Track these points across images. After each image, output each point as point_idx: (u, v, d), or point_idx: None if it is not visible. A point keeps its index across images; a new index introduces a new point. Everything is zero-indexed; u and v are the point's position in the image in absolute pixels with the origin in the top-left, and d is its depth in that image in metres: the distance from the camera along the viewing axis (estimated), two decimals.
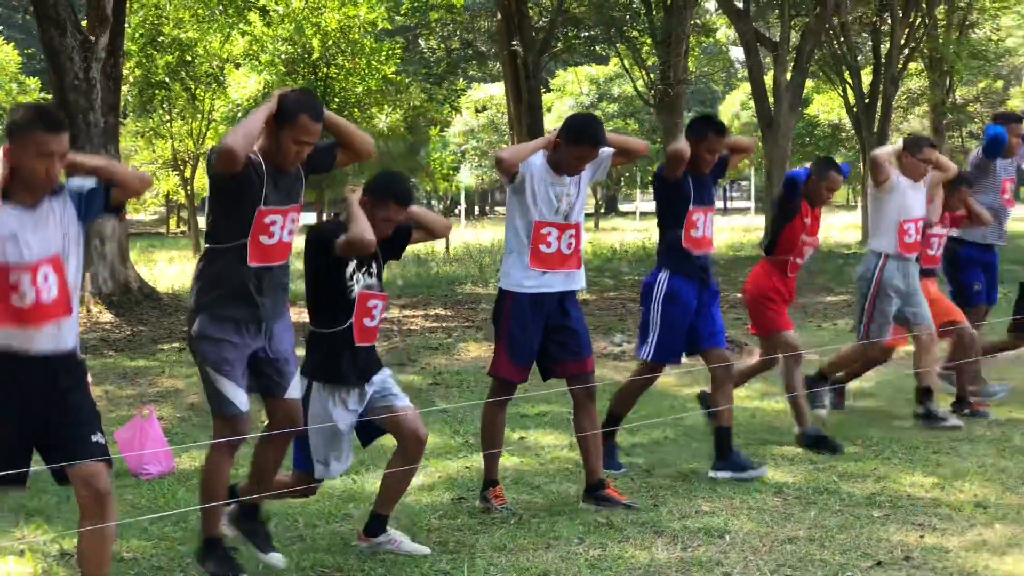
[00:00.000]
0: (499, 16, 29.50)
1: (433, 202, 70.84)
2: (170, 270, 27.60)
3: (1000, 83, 53.97)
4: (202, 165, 42.18)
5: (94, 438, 5.01)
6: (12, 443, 4.98)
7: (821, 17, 30.40)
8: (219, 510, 5.96)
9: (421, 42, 41.78)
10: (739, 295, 17.59)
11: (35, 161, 4.83)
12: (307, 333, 6.43)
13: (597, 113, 57.14)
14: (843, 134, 53.00)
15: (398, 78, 31.41)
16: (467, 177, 58.65)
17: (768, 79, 32.76)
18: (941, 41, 36.61)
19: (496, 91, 54.93)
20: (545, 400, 10.79)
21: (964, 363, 9.96)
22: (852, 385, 10.44)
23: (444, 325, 17.61)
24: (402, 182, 6.55)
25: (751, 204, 68.82)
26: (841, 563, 6.04)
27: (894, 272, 9.40)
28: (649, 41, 33.09)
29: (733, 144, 8.35)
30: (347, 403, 6.30)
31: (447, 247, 33.70)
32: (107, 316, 18.07)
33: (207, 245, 5.86)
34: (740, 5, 31.26)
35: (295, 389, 6.03)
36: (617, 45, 35.44)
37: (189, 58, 32.08)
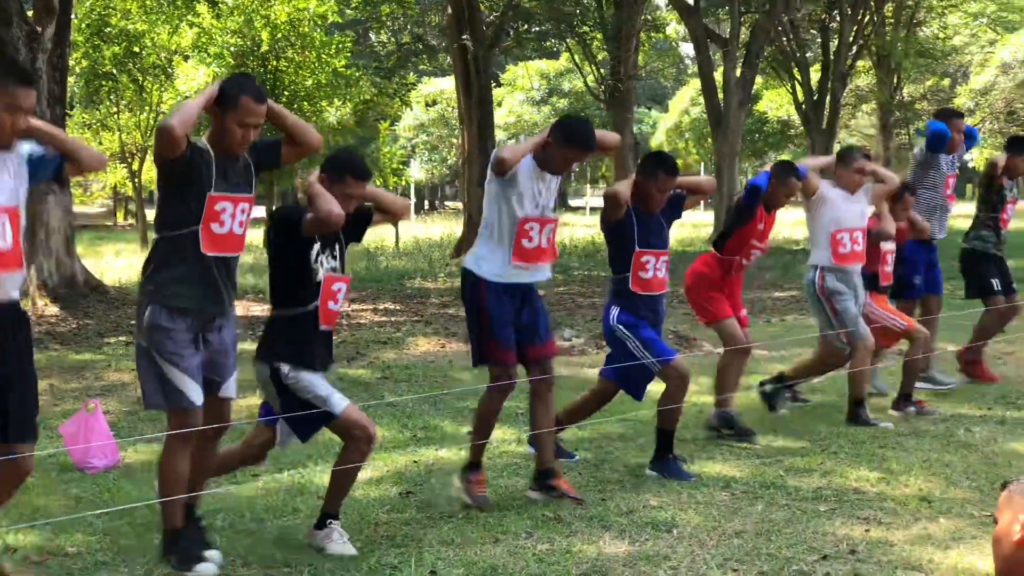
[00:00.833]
0: (449, 10, 29.49)
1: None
2: (117, 263, 27.36)
3: (947, 81, 54.42)
4: (150, 157, 41.91)
5: (35, 419, 5.30)
6: None
7: (771, 14, 30.57)
8: (179, 503, 5.93)
9: (371, 36, 41.71)
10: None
11: (3, 114, 4.91)
12: (268, 318, 6.45)
13: (547, 108, 57.31)
14: (792, 131, 53.27)
15: (348, 72, 31.25)
16: (417, 171, 58.59)
17: (718, 75, 32.90)
18: (889, 39, 36.92)
19: (446, 85, 54.87)
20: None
21: (916, 361, 10.05)
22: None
23: (393, 319, 17.57)
24: (358, 157, 6.57)
25: (676, 219, 68.91)
26: (787, 557, 6.07)
27: (834, 281, 9.44)
28: (599, 36, 33.14)
29: (689, 184, 8.32)
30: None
31: (396, 241, 33.61)
32: (52, 309, 17.90)
33: (157, 235, 5.81)
34: (690, 1, 31.35)
35: (231, 388, 6.03)
36: (567, 40, 35.47)
37: (137, 49, 31.82)
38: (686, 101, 60.90)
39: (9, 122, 4.95)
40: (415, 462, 8.35)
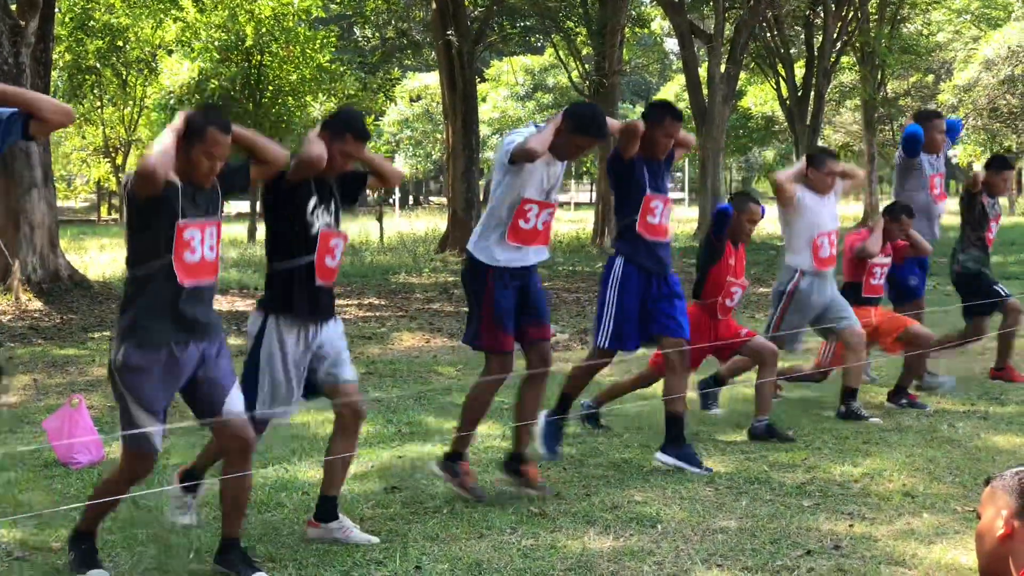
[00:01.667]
0: (434, 5, 29.47)
1: (368, 192, 70.77)
2: (101, 258, 27.31)
3: (931, 78, 54.53)
4: (134, 151, 41.80)
5: None
6: None
7: (755, 10, 30.61)
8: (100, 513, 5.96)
9: (356, 30, 41.64)
10: None
11: None
12: (266, 272, 6.46)
13: (531, 104, 57.30)
14: (776, 126, 53.40)
15: (332, 67, 31.24)
16: (401, 166, 58.51)
17: (702, 71, 32.96)
18: (873, 35, 36.97)
19: (431, 80, 54.88)
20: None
21: (917, 358, 10.09)
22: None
23: (378, 315, 17.57)
24: (359, 118, 6.57)
25: (684, 195, 69.20)
26: (771, 552, 6.08)
27: (810, 288, 9.44)
28: (584, 31, 33.16)
29: (679, 138, 8.35)
30: (301, 340, 6.31)
31: (381, 236, 33.60)
32: (36, 304, 17.87)
33: (130, 273, 5.68)
34: None
35: (236, 402, 5.79)
36: (552, 35, 35.49)
37: (120, 44, 31.79)
38: (671, 97, 60.95)
39: None
40: (400, 458, 8.35)
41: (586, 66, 32.49)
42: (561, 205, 61.77)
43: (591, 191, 47.90)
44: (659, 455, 7.96)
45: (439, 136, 55.10)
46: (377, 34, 38.11)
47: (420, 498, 7.23)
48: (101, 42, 31.34)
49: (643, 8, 40.48)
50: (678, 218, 40.97)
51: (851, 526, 6.56)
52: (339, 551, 6.18)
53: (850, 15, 36.00)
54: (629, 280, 7.94)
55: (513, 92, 59.58)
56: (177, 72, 30.45)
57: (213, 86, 28.86)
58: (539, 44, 45.33)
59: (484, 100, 55.68)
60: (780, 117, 46.96)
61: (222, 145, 5.63)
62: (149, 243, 5.57)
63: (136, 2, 29.75)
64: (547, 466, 8.01)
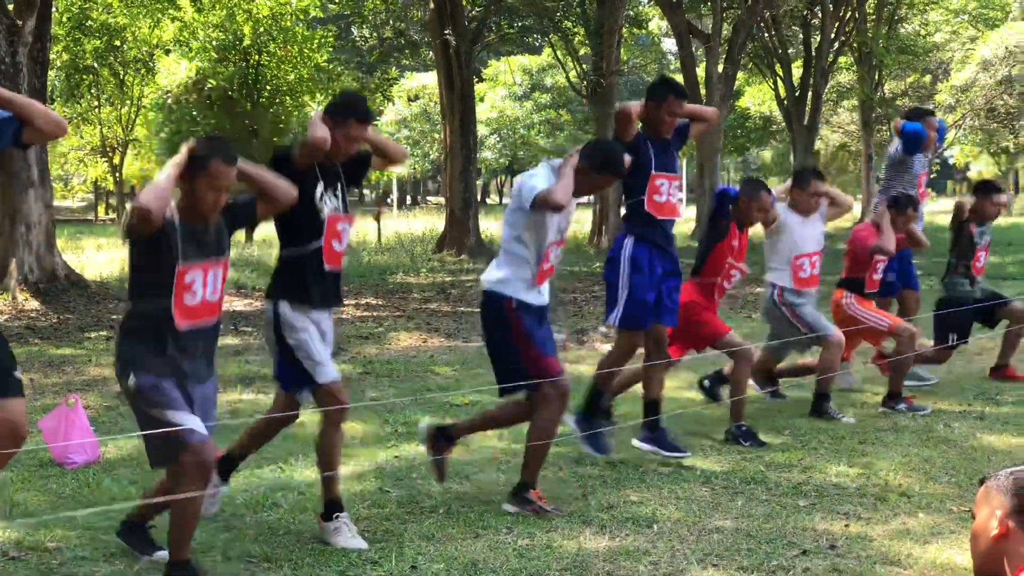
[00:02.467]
0: (432, 5, 29.46)
1: (365, 191, 70.66)
2: (98, 257, 27.29)
3: (928, 78, 54.54)
4: (131, 151, 41.81)
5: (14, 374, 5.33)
6: None
7: (752, 10, 30.62)
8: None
9: (354, 30, 41.60)
10: None
11: None
12: (276, 258, 6.51)
13: (529, 104, 57.27)
14: (774, 127, 53.41)
15: (330, 66, 31.25)
16: (399, 167, 58.53)
17: (700, 71, 32.94)
18: (870, 36, 36.99)
19: (429, 80, 54.86)
20: (475, 390, 10.79)
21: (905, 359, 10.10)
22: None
23: (375, 314, 17.57)
24: (362, 101, 6.58)
25: (683, 195, 69.20)
26: (767, 552, 6.09)
27: (793, 298, 9.47)
28: (582, 31, 33.17)
29: (693, 112, 8.31)
30: (315, 321, 6.39)
31: (379, 236, 33.60)
32: (33, 304, 17.85)
33: (130, 303, 5.64)
34: None
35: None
36: (550, 35, 35.49)
37: (118, 43, 31.77)
38: None
39: None
40: (396, 457, 8.35)
41: (584, 66, 32.51)
42: None
43: None
44: (636, 441, 8.00)
45: (437, 136, 55.07)
46: (375, 34, 38.10)
47: (416, 498, 7.23)
48: (98, 42, 31.33)
49: (641, 8, 40.48)
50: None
51: (847, 526, 6.56)
52: (334, 551, 6.17)
53: (848, 15, 36.02)
54: (640, 258, 7.92)
55: (511, 92, 59.58)
56: (175, 72, 30.43)
57: (211, 86, 28.84)
58: (537, 44, 45.33)
59: (482, 100, 55.65)
60: (778, 117, 46.97)
61: (226, 177, 5.53)
62: (148, 283, 5.50)
63: (133, 2, 29.74)
64: (543, 466, 8.00)
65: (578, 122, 54.50)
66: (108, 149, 36.51)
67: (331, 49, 31.78)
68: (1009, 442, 8.62)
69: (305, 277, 6.33)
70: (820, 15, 35.49)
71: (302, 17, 30.44)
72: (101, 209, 64.09)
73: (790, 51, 38.82)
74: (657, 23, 45.66)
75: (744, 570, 5.83)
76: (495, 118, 59.08)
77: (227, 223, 5.75)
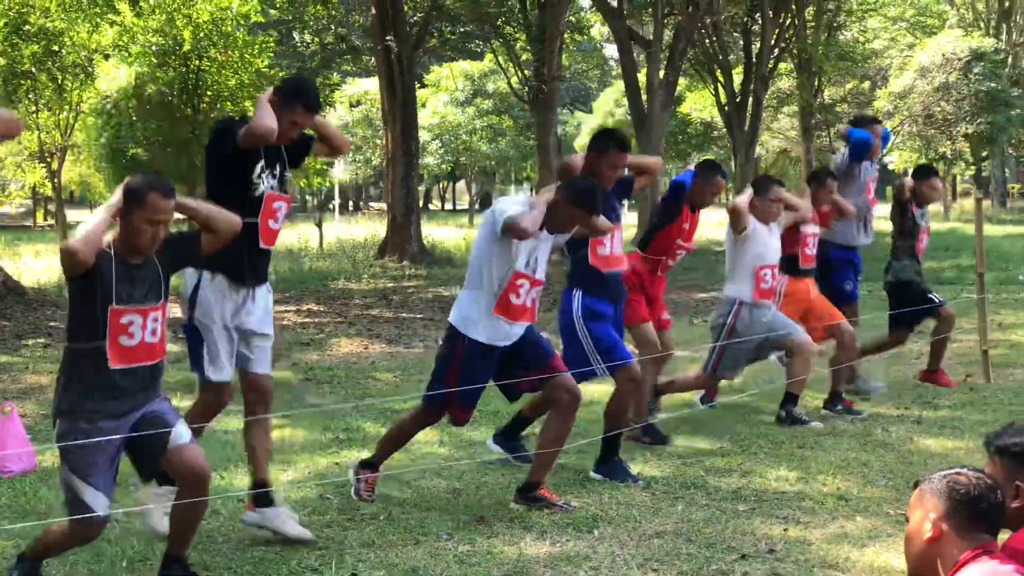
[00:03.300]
0: (373, 11, 29.39)
1: (307, 197, 70.38)
2: (36, 264, 27.07)
3: (867, 84, 54.97)
4: (70, 156, 41.41)
5: None
6: None
7: (693, 16, 30.74)
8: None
9: (295, 36, 41.40)
10: None
11: None
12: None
13: (471, 110, 57.22)
14: (715, 132, 53.62)
15: (271, 72, 31.01)
16: (341, 172, 58.27)
17: (642, 77, 33.03)
18: (810, 42, 37.24)
19: (371, 86, 54.61)
20: (417, 395, 10.76)
21: (844, 362, 10.17)
22: (722, 382, 10.52)
23: (316, 321, 17.51)
24: (312, 88, 6.58)
25: (625, 200, 69.27)
26: (707, 556, 6.12)
27: (749, 320, 9.44)
28: (523, 37, 33.15)
29: (637, 164, 8.31)
30: (233, 300, 6.39)
31: (320, 242, 33.48)
32: None
33: (68, 344, 5.53)
34: (614, 3, 31.45)
35: (182, 435, 5.57)
36: (492, 41, 35.47)
37: (56, 48, 31.39)
38: (610, 103, 61.18)
39: None
40: (337, 464, 8.33)
41: (525, 72, 32.48)
42: None
43: None
44: (594, 473, 7.94)
45: (379, 142, 54.87)
46: (316, 39, 37.93)
47: (357, 505, 7.21)
48: (36, 47, 30.95)
49: (582, 14, 40.53)
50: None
51: (786, 530, 6.61)
52: (274, 558, 6.15)
53: (787, 22, 36.23)
54: (593, 310, 7.88)
55: (453, 98, 59.45)
56: (114, 77, 30.13)
57: (150, 91, 28.60)
58: (479, 50, 45.29)
59: (424, 106, 55.52)
60: (719, 123, 47.14)
61: (164, 211, 5.43)
62: (83, 323, 5.43)
63: (72, 6, 29.46)
64: (484, 471, 8.03)
65: (520, 128, 54.53)
66: (46, 154, 36.09)
67: (272, 54, 31.59)
68: (946, 445, 8.70)
69: (237, 251, 6.25)
70: (760, 22, 35.66)
71: (243, 22, 30.20)
72: (39, 215, 63.46)
73: (731, 57, 38.97)
74: (598, 29, 45.81)
75: (684, 574, 5.86)
76: (437, 124, 58.93)
77: (168, 261, 5.65)
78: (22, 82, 32.63)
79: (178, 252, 5.77)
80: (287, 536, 6.38)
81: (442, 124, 58.74)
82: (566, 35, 33.21)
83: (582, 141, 60.83)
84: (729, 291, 9.56)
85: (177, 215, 5.64)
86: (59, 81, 33.04)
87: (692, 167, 9.29)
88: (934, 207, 11.36)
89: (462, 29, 35.01)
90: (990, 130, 43.66)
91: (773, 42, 35.82)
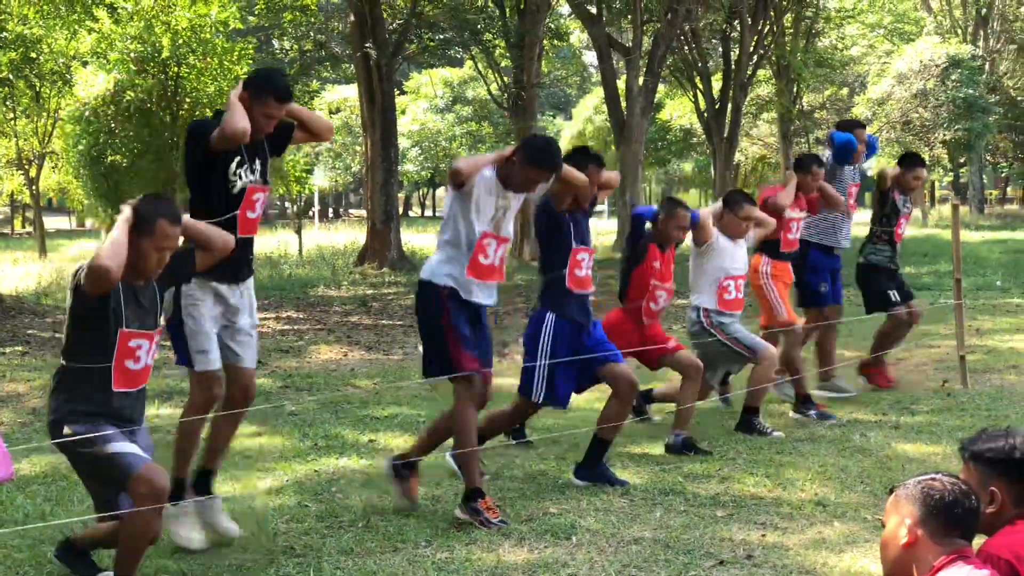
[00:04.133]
0: (352, 17, 29.38)
1: (287, 204, 70.25)
2: (14, 272, 26.98)
3: (845, 91, 55.21)
4: (48, 164, 41.29)
5: None
6: None
7: (672, 23, 30.79)
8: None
9: (274, 43, 41.38)
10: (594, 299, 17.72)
11: None
12: None
13: (451, 116, 57.28)
14: (694, 139, 53.74)
15: None
16: (321, 179, 58.24)
17: (621, 83, 33.10)
18: (788, 49, 37.35)
19: (350, 93, 54.64)
20: (395, 402, 10.80)
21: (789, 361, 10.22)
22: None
23: (295, 328, 17.49)
24: (280, 78, 6.55)
25: (604, 208, 69.39)
26: (685, 562, 6.12)
27: (720, 319, 9.48)
28: (503, 44, 33.21)
29: (606, 181, 8.32)
30: (216, 295, 6.40)
31: (300, 249, 33.44)
32: None
33: (63, 362, 5.53)
34: (593, 10, 31.52)
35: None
36: (471, 48, 35.51)
37: (34, 55, 31.32)
38: (589, 109, 61.18)
39: None
40: (316, 471, 8.31)
41: (505, 78, 32.56)
42: None
43: None
44: (575, 478, 7.93)
45: (358, 149, 54.85)
46: (295, 46, 37.89)
47: (335, 512, 7.20)
48: (14, 53, 30.89)
49: (561, 21, 40.61)
50: (598, 231, 41.16)
51: (763, 536, 6.62)
52: (253, 566, 6.14)
53: (766, 29, 36.33)
54: (562, 334, 7.82)
55: (432, 105, 59.53)
56: (92, 84, 30.06)
57: (129, 98, 28.54)
58: (458, 56, 45.33)
59: (403, 113, 55.58)
60: (698, 129, 47.24)
61: (172, 237, 5.52)
62: (88, 344, 5.42)
63: (50, 13, 29.38)
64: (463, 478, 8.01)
65: (499, 134, 54.53)
66: (24, 162, 36.01)
67: (251, 61, 31.54)
68: (923, 450, 8.73)
69: None
70: (739, 29, 35.77)
71: (222, 29, 30.16)
72: (17, 222, 63.28)
73: (710, 64, 39.11)
74: (578, 36, 45.83)
75: None
76: (417, 131, 59.02)
77: (165, 282, 5.72)
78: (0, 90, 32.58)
79: (174, 271, 5.81)
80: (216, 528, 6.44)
81: (422, 131, 58.82)
82: (545, 42, 33.28)
83: (562, 147, 60.77)
84: (695, 300, 9.58)
85: None
86: (37, 88, 33.00)
87: (655, 206, 9.23)
88: (915, 212, 11.40)
89: (441, 36, 35.03)
90: (968, 136, 43.85)
91: (752, 49, 35.93)
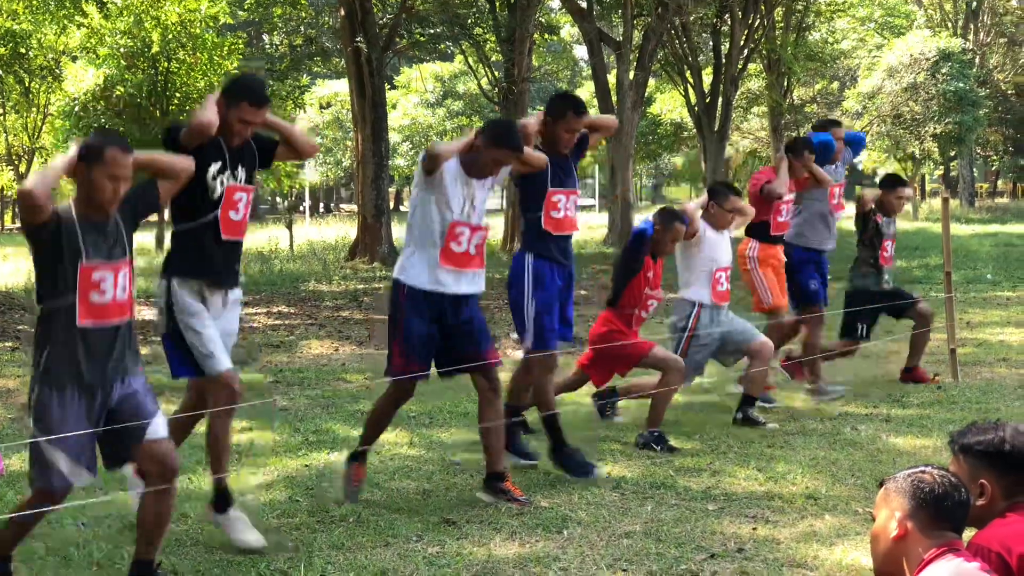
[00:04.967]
0: (342, 12, 29.33)
1: (278, 199, 70.21)
2: (4, 267, 26.91)
3: (835, 85, 55.21)
4: (38, 160, 41.27)
5: None
6: None
7: (662, 17, 30.80)
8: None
9: (264, 37, 41.36)
10: (583, 292, 17.75)
11: None
12: (172, 235, 6.51)
13: (441, 111, 57.23)
14: (685, 133, 53.73)
15: (240, 74, 31.02)
16: (311, 174, 58.21)
17: (611, 77, 33.09)
18: (779, 43, 37.37)
19: (340, 88, 54.57)
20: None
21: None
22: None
23: (286, 323, 17.47)
24: (256, 82, 6.53)
25: (595, 201, 69.39)
26: (676, 556, 6.13)
27: (707, 322, 9.47)
28: (493, 38, 33.18)
29: (592, 123, 8.32)
30: (210, 303, 6.38)
31: (291, 244, 33.40)
32: None
33: (40, 307, 5.47)
34: (583, 4, 31.51)
35: (159, 431, 5.56)
36: (461, 42, 35.48)
37: (23, 50, 31.25)
38: None
39: None
40: (307, 466, 8.31)
41: (495, 73, 32.51)
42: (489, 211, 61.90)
43: (501, 197, 47.80)
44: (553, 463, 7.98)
45: (349, 143, 54.87)
46: (285, 41, 37.86)
47: (326, 507, 7.19)
48: (3, 49, 30.83)
49: (552, 15, 40.61)
50: (588, 224, 41.13)
51: (755, 529, 6.63)
52: (243, 561, 6.13)
53: (756, 23, 36.33)
54: (543, 276, 7.91)
55: (423, 99, 59.46)
56: (82, 79, 30.05)
57: (119, 93, 28.55)
58: (449, 51, 45.28)
59: (394, 107, 55.55)
60: (689, 123, 47.21)
61: (123, 165, 5.42)
62: (53, 281, 5.38)
63: (39, 8, 29.33)
64: (454, 472, 8.02)
65: None
66: (14, 157, 35.97)
67: (241, 56, 31.55)
68: (914, 443, 8.74)
69: (200, 249, 6.30)
70: (729, 23, 35.76)
71: (211, 24, 30.20)
72: (7, 218, 63.11)
73: (700, 58, 39.08)
74: (568, 30, 45.85)
75: (653, 574, 5.87)
76: (407, 125, 58.95)
77: (129, 215, 5.63)
78: None
79: (137, 203, 5.72)
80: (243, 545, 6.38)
81: (412, 125, 58.76)
82: (536, 36, 33.24)
83: None
84: (687, 295, 9.57)
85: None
86: (26, 83, 32.93)
87: (650, 217, 9.25)
88: (906, 206, 11.38)
89: (432, 30, 34.98)
90: (958, 130, 43.85)
91: (742, 43, 35.92)
